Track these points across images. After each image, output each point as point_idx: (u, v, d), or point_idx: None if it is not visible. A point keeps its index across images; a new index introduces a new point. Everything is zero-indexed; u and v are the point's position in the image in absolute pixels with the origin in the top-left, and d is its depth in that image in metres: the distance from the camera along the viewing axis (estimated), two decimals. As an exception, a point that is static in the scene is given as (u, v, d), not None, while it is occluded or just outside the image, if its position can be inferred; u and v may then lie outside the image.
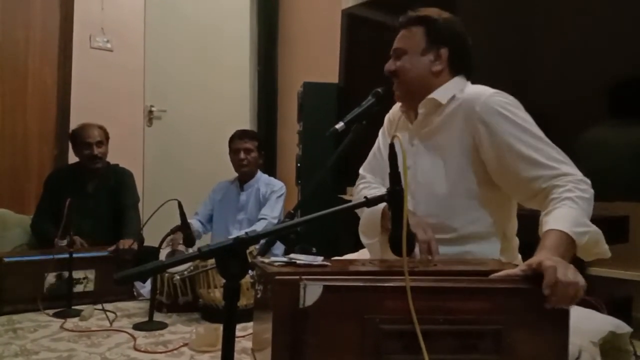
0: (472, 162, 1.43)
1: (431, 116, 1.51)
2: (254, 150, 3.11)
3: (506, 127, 1.37)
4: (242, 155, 3.08)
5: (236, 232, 2.94)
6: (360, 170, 1.75)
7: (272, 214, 3.01)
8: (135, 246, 2.46)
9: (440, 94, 1.49)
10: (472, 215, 1.43)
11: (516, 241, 1.55)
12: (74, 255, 2.22)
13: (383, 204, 1.45)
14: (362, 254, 1.67)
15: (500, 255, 1.45)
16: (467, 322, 0.93)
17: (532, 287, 0.96)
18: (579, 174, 1.30)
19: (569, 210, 1.21)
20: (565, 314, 0.96)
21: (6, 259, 2.22)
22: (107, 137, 2.93)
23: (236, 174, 3.23)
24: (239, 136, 3.14)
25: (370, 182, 1.68)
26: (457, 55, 1.51)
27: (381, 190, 1.56)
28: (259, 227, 2.93)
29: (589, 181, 1.29)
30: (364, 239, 1.60)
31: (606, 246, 1.25)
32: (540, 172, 1.32)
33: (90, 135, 2.85)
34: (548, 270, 0.97)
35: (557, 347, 0.96)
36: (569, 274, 0.98)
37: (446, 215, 1.44)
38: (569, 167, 1.32)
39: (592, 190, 1.28)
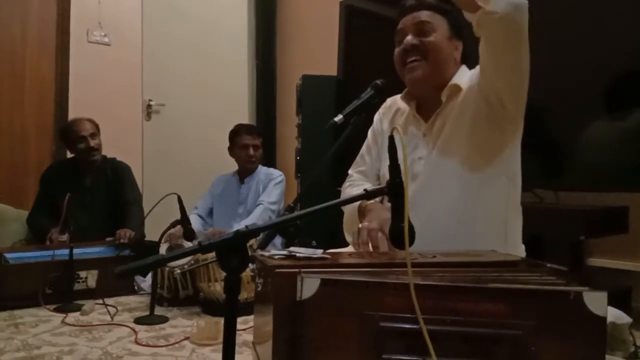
0: (486, 119, 1.41)
1: (449, 102, 1.50)
2: (260, 147, 3.17)
3: None
4: (251, 151, 3.12)
5: (238, 226, 2.95)
6: (350, 171, 1.75)
7: (268, 199, 3.03)
8: (133, 234, 2.48)
9: (460, 80, 1.49)
10: (484, 157, 1.43)
11: (520, 219, 1.52)
12: (75, 250, 2.22)
13: (358, 203, 1.46)
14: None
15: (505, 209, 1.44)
16: (480, 325, 0.84)
17: (559, 290, 0.86)
18: None
19: None
20: (602, 322, 0.83)
21: (8, 255, 2.23)
22: (98, 129, 2.92)
23: (236, 168, 3.24)
24: (247, 132, 3.15)
25: (354, 180, 1.68)
26: (464, 49, 1.55)
27: (365, 186, 1.56)
28: (256, 213, 2.96)
29: None
30: (347, 237, 1.61)
31: None
32: None
33: (83, 128, 2.84)
34: None
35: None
36: None
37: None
38: None
39: None
